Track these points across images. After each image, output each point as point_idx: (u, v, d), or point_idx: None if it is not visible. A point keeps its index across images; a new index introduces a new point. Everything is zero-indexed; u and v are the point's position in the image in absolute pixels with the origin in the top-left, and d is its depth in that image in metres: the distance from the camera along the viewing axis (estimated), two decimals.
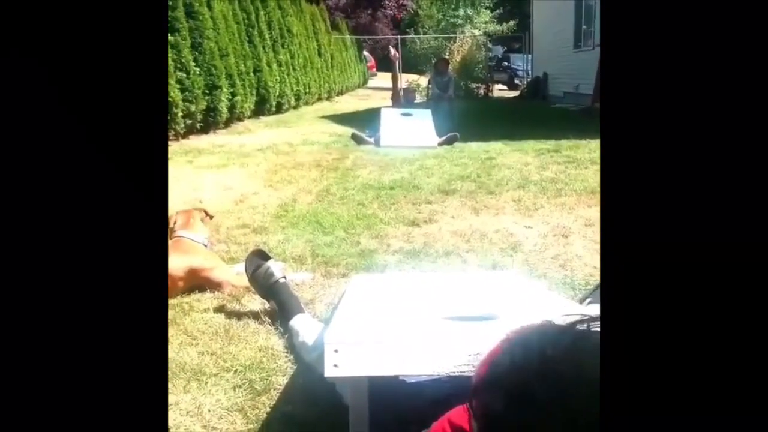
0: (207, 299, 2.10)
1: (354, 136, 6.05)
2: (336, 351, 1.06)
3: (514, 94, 15.12)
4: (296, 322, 1.78)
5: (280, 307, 1.90)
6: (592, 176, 4.08)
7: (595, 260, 2.43)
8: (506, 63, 18.72)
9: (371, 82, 20.18)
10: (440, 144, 5.78)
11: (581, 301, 1.86)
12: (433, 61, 11.11)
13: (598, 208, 3.18)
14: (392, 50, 7.13)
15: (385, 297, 1.53)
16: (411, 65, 17.72)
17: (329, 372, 1.06)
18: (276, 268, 1.95)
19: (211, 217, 2.47)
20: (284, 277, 1.95)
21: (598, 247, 2.58)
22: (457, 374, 1.06)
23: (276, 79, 9.23)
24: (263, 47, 8.94)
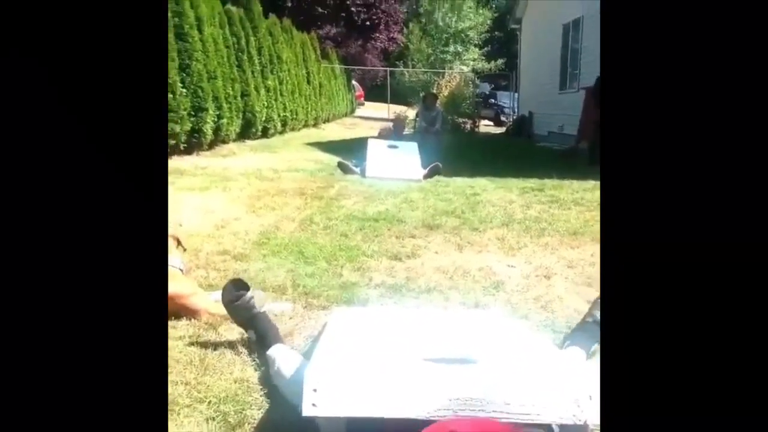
0: (182, 326, 2.05)
1: (340, 165, 6.07)
2: (315, 390, 1.04)
3: (500, 130, 15.38)
4: (274, 352, 1.74)
5: (259, 337, 1.86)
6: (575, 217, 4.12)
7: (576, 302, 2.43)
8: (493, 100, 19.09)
9: (359, 111, 20.37)
10: (425, 177, 5.82)
11: (562, 343, 1.84)
12: (421, 95, 11.28)
13: (580, 250, 3.23)
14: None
15: (366, 333, 1.51)
16: (399, 97, 17.96)
17: (307, 411, 1.03)
18: (258, 297, 1.91)
19: (185, 249, 2.42)
20: (265, 313, 1.91)
21: (579, 289, 2.61)
22: (435, 418, 1.04)
23: (263, 104, 9.27)
24: (252, 72, 9.00)
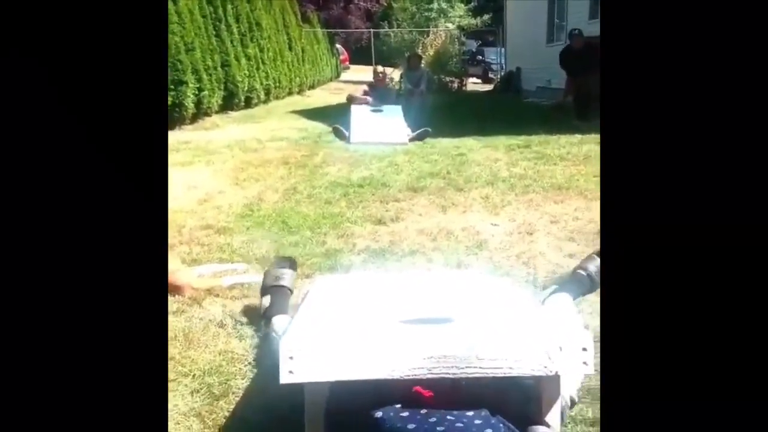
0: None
1: (335, 130, 5.97)
2: (291, 358, 1.05)
3: (488, 87, 15.21)
4: (273, 321, 1.75)
5: (268, 307, 1.86)
6: (560, 172, 4.12)
7: (558, 257, 2.46)
8: (480, 57, 18.80)
9: (344, 75, 20.06)
10: (411, 140, 5.77)
11: (549, 293, 1.84)
12: (406, 55, 11.10)
13: (564, 205, 3.24)
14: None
15: (345, 300, 1.52)
16: (385, 59, 17.67)
17: (284, 378, 1.05)
18: (287, 276, 1.92)
19: None
20: (290, 290, 1.91)
21: (561, 244, 2.63)
22: (411, 377, 1.06)
23: (245, 74, 9.09)
24: (231, 41, 8.79)
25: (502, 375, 1.04)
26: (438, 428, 1.05)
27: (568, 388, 1.27)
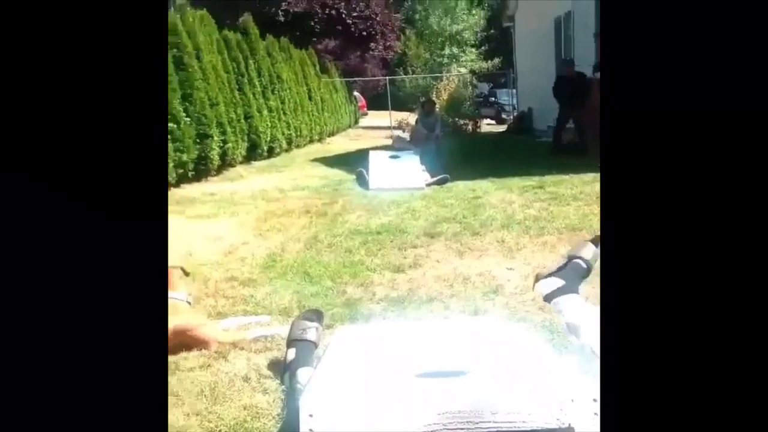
0: (193, 357, 2.14)
1: (359, 175, 6.11)
2: (311, 416, 1.11)
3: (502, 128, 15.40)
4: (298, 374, 1.78)
5: (292, 360, 1.89)
6: (573, 213, 4.17)
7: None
8: (493, 98, 19.14)
9: (362, 122, 20.51)
10: (429, 185, 5.88)
11: (539, 278, 1.78)
12: (421, 100, 11.36)
13: None
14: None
15: (364, 353, 1.58)
16: (400, 104, 18.08)
17: None
18: (313, 329, 1.97)
19: (188, 274, 2.50)
20: (315, 344, 1.94)
21: None
22: None
23: (267, 125, 9.40)
24: (253, 94, 9.14)
25: (515, 429, 1.08)
26: None
27: None
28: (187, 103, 6.72)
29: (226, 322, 2.43)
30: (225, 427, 1.68)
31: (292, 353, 1.94)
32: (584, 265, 1.69)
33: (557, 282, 1.59)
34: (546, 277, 1.61)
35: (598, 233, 2.30)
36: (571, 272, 1.64)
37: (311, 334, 1.96)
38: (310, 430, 1.09)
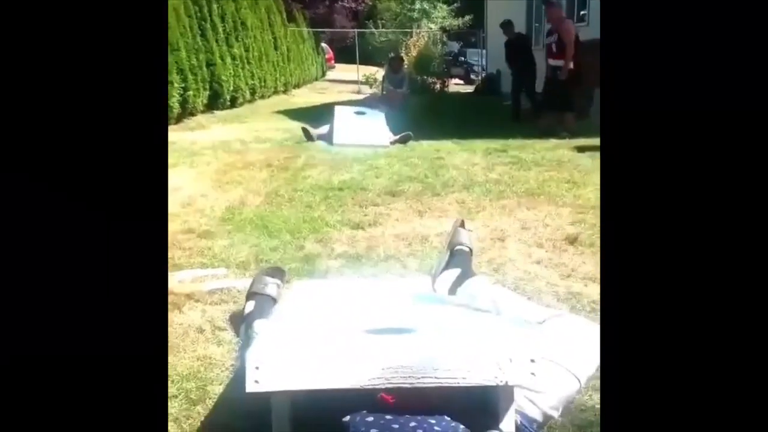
0: None
1: (304, 131, 6.08)
2: (257, 368, 1.13)
3: (470, 89, 15.35)
4: (257, 323, 1.79)
5: (251, 311, 1.90)
6: (534, 178, 4.24)
7: (526, 264, 2.56)
8: (463, 58, 18.96)
9: (330, 74, 20.09)
10: (393, 143, 5.86)
11: (437, 269, 1.82)
12: (390, 55, 11.18)
13: (536, 211, 3.35)
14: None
15: (315, 308, 1.60)
16: (369, 58, 17.75)
17: (250, 387, 1.13)
18: (274, 286, 1.97)
19: None
20: (274, 299, 1.94)
21: (530, 250, 2.74)
22: (370, 387, 1.14)
23: (230, 73, 9.12)
24: (216, 40, 8.81)
25: (456, 385, 1.13)
26: None
27: (546, 403, 1.33)
28: None
29: (182, 274, 2.42)
30: (178, 377, 1.69)
31: (250, 305, 1.95)
32: (467, 249, 1.77)
33: (454, 272, 1.65)
34: (440, 273, 1.65)
35: (462, 217, 2.39)
36: (459, 259, 1.72)
37: (271, 290, 1.97)
38: (256, 381, 1.11)
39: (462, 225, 1.84)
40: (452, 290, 1.63)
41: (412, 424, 1.15)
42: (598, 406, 1.50)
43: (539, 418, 1.31)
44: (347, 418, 1.23)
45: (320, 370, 1.13)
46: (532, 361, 1.11)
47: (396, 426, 1.15)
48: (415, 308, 1.57)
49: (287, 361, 1.14)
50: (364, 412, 1.24)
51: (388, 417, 1.21)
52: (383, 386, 1.14)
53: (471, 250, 1.77)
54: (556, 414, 1.36)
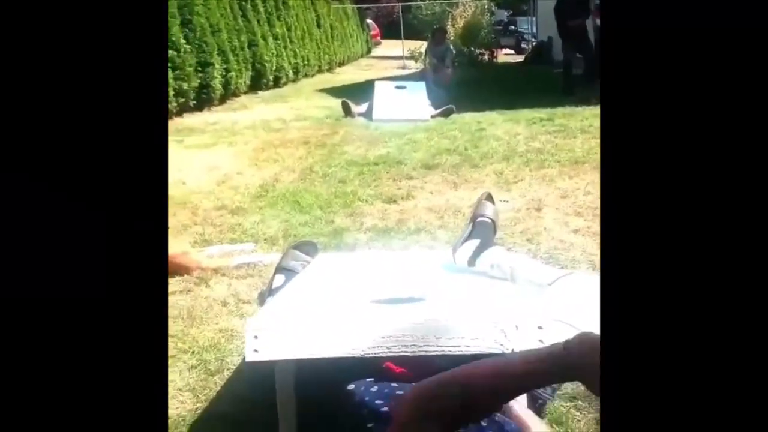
0: (175, 282, 2.15)
1: (343, 105, 6.04)
2: (256, 337, 1.10)
3: (521, 58, 14.86)
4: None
5: (278, 285, 1.90)
6: (579, 146, 4.05)
7: (563, 233, 2.44)
8: (513, 27, 18.35)
9: (375, 51, 19.91)
10: (434, 116, 5.74)
11: (461, 240, 1.72)
12: (434, 26, 10.93)
13: (577, 179, 3.19)
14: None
15: (331, 279, 1.57)
16: (415, 33, 17.45)
17: (250, 357, 1.10)
18: (302, 261, 1.95)
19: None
20: (295, 271, 1.89)
21: (567, 219, 2.60)
22: (370, 356, 1.10)
23: (272, 53, 9.15)
24: (258, 20, 8.84)
25: (459, 353, 1.07)
26: None
27: None
28: (187, 30, 6.53)
29: (211, 250, 2.44)
30: (198, 348, 1.70)
31: (280, 279, 1.94)
32: (489, 221, 1.70)
33: (474, 243, 1.58)
34: (462, 245, 1.59)
35: (495, 189, 2.25)
36: (481, 230, 1.65)
37: (301, 266, 1.94)
38: (255, 350, 1.09)
39: (488, 197, 1.76)
40: (471, 261, 1.56)
41: None
42: None
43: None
44: (352, 386, 1.20)
45: (319, 338, 1.09)
46: (540, 327, 1.03)
47: (401, 393, 1.10)
48: (429, 278, 1.51)
49: (286, 330, 1.11)
50: (370, 380, 1.20)
51: (393, 385, 1.16)
52: (384, 355, 1.09)
53: (494, 221, 1.70)
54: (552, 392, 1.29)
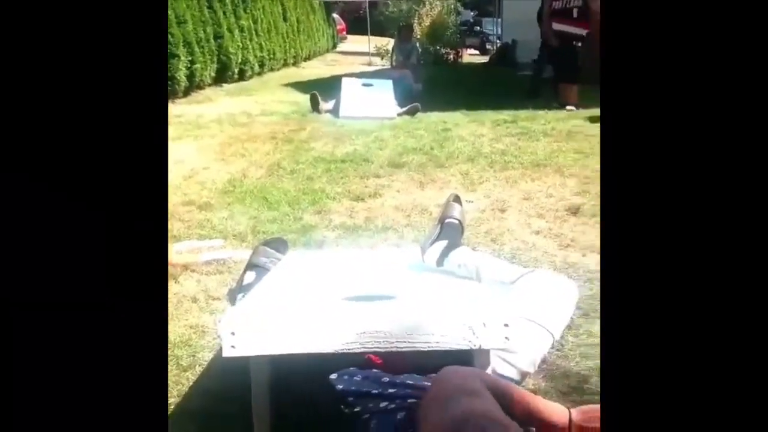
0: None
1: (312, 98, 6.04)
2: (233, 333, 1.13)
3: (485, 59, 15.08)
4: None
5: (250, 283, 1.90)
6: (542, 149, 4.18)
7: (525, 234, 2.54)
8: (479, 27, 18.61)
9: (341, 46, 19.85)
10: (400, 114, 5.80)
11: (429, 240, 1.77)
12: (400, 24, 10.98)
13: (539, 182, 3.31)
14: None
15: (302, 277, 1.60)
16: (381, 29, 17.48)
17: (227, 352, 1.13)
18: (272, 258, 1.95)
19: None
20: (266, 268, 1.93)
21: (530, 221, 2.71)
22: (344, 351, 1.14)
23: (238, 46, 9.03)
24: (224, 12, 8.71)
25: (429, 348, 1.12)
26: (390, 389, 1.13)
27: (522, 361, 1.34)
28: None
29: (180, 246, 2.43)
30: (170, 344, 1.71)
31: (250, 276, 1.95)
32: (457, 222, 1.79)
33: (442, 244, 1.67)
34: (430, 245, 1.67)
35: (460, 190, 2.33)
36: (449, 231, 1.74)
37: (272, 263, 1.96)
38: (232, 346, 1.12)
39: (456, 199, 1.84)
40: (440, 261, 1.63)
41: (398, 380, 1.15)
42: (584, 372, 1.50)
43: (516, 376, 1.32)
44: (334, 375, 1.24)
45: (295, 335, 1.13)
46: (506, 325, 1.10)
47: (386, 379, 1.15)
48: (399, 276, 1.56)
49: (262, 326, 1.14)
50: (353, 368, 1.24)
51: (375, 371, 1.21)
52: (358, 350, 1.14)
53: (461, 222, 1.77)
54: (532, 370, 1.38)
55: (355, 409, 1.11)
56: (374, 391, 1.11)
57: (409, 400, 1.08)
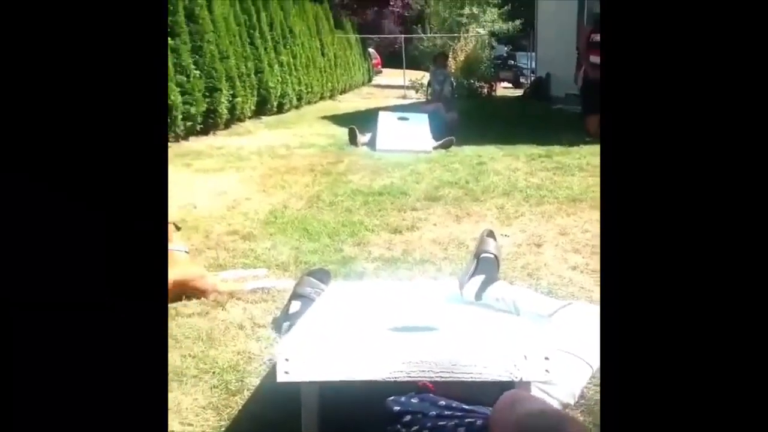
0: (193, 305, 2.25)
1: (350, 132, 6.21)
2: (287, 360, 1.20)
3: (519, 92, 15.19)
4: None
5: (295, 312, 2.00)
6: (577, 183, 4.20)
7: (561, 269, 2.56)
8: (512, 61, 18.80)
9: (377, 80, 20.29)
10: (435, 148, 5.91)
11: (466, 275, 1.81)
12: (435, 54, 11.19)
13: (575, 217, 3.33)
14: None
15: (347, 307, 1.68)
16: (417, 63, 17.84)
17: (281, 378, 1.21)
18: (310, 286, 2.09)
19: (179, 229, 2.59)
20: (311, 298, 2.04)
21: (567, 255, 2.73)
22: (391, 379, 1.20)
23: (277, 80, 9.38)
24: (264, 48, 9.09)
25: (472, 380, 1.17)
26: (447, 411, 1.19)
27: (562, 393, 1.37)
28: (197, 56, 6.73)
29: (225, 274, 2.54)
30: (218, 369, 1.79)
31: (296, 305, 2.04)
32: (493, 257, 1.84)
33: (480, 278, 1.72)
34: (468, 281, 1.72)
35: (495, 225, 2.35)
36: (485, 266, 1.79)
37: (317, 293, 2.06)
38: (286, 372, 1.19)
39: (490, 234, 1.90)
40: (478, 295, 1.68)
41: (454, 404, 1.21)
42: None
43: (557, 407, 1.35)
44: (391, 398, 1.29)
45: (346, 362, 1.20)
46: (546, 358, 1.14)
47: (442, 403, 1.20)
48: (439, 309, 1.62)
49: (315, 353, 1.21)
50: (411, 393, 1.29)
51: (431, 395, 1.26)
52: (404, 379, 1.20)
53: (497, 257, 1.83)
54: (572, 401, 1.40)
55: (412, 428, 1.16)
56: (432, 413, 1.16)
57: (467, 420, 1.13)
